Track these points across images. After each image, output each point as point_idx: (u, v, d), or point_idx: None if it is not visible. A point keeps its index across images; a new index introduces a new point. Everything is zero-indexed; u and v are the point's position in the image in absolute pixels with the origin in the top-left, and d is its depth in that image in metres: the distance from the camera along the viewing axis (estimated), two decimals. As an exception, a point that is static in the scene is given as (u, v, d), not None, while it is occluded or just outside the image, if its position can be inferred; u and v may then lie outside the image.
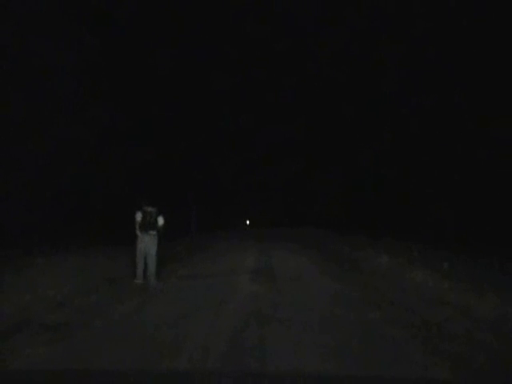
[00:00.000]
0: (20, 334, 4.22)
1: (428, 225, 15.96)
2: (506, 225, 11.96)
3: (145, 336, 4.16)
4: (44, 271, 7.47)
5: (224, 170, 29.19)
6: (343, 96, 22.11)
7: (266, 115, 29.72)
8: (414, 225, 16.63)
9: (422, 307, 5.47)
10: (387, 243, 12.70)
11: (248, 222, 53.66)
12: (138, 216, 7.42)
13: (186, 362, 3.42)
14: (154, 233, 7.43)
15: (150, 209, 7.48)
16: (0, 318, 4.67)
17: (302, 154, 31.48)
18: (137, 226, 7.44)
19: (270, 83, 27.13)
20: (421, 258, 9.33)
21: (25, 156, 12.26)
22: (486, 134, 13.09)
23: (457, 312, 5.13)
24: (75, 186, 14.15)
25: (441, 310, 5.29)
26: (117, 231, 14.79)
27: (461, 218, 14.38)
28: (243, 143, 31.53)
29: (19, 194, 12.00)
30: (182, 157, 22.36)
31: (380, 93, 18.55)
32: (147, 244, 7.40)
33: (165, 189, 20.69)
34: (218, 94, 23.70)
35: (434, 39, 14.80)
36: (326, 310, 5.28)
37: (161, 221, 7.50)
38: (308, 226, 29.47)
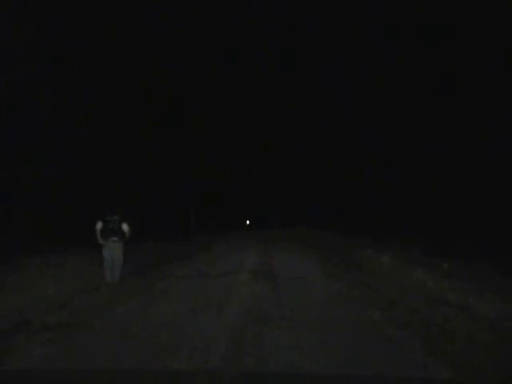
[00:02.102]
0: (20, 333, 4.22)
1: (428, 225, 15.96)
2: (506, 225, 11.96)
3: (145, 336, 4.16)
4: (44, 271, 7.48)
5: (224, 170, 29.21)
6: (342, 97, 22.17)
7: (269, 116, 29.83)
8: (414, 225, 16.63)
9: (422, 307, 5.47)
10: (388, 244, 12.72)
11: (248, 222, 53.60)
12: (98, 225, 7.61)
13: (185, 362, 3.42)
14: (115, 239, 7.56)
15: (110, 217, 7.66)
16: (0, 317, 4.68)
17: (303, 154, 31.52)
18: (98, 235, 7.60)
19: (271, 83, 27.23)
20: (421, 258, 9.34)
21: (24, 156, 12.28)
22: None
23: (456, 312, 5.13)
24: (76, 186, 14.17)
25: (440, 309, 5.29)
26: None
27: (461, 218, 14.37)
28: (244, 143, 31.60)
29: (20, 194, 12.01)
30: (182, 158, 22.37)
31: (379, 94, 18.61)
32: (112, 251, 7.54)
33: (164, 190, 20.75)
34: (219, 93, 23.78)
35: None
36: (327, 309, 5.28)
37: (125, 227, 7.66)
38: (309, 227, 29.45)
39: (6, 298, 5.49)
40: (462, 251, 10.19)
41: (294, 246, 16.67)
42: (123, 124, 16.62)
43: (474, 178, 13.81)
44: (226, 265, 10.04)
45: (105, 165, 15.15)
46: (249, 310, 5.28)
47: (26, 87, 11.69)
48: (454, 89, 14.40)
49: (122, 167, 16.44)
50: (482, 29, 12.89)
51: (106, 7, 14.80)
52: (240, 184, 37.95)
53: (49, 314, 5.00)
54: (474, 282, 6.35)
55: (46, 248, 10.00)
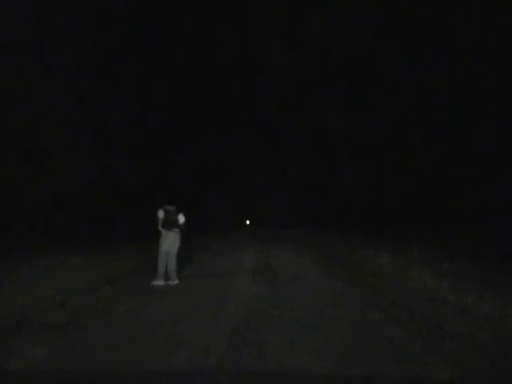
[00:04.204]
0: (20, 333, 4.22)
1: (428, 225, 15.95)
2: (506, 224, 11.96)
3: (145, 336, 4.16)
4: (44, 271, 7.48)
5: (224, 170, 29.20)
6: (343, 97, 22.16)
7: (271, 116, 29.81)
8: (414, 225, 16.62)
9: (422, 307, 5.47)
10: (387, 243, 12.71)
11: (248, 222, 53.62)
12: (161, 213, 7.35)
13: (185, 362, 3.42)
14: (177, 230, 7.38)
15: (170, 207, 7.41)
16: (0, 317, 4.68)
17: (303, 154, 31.52)
18: (159, 223, 7.37)
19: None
20: (421, 257, 9.33)
21: (25, 156, 12.28)
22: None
23: (457, 311, 5.13)
24: (76, 187, 14.17)
25: (441, 309, 5.29)
26: (117, 231, 14.82)
27: (460, 218, 14.37)
28: (244, 143, 31.59)
29: (20, 194, 12.01)
30: (182, 158, 22.34)
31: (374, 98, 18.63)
32: (170, 242, 7.33)
33: (164, 189, 20.72)
34: (220, 87, 23.73)
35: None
36: (326, 309, 5.28)
37: (182, 218, 7.40)
38: (308, 226, 29.47)
39: (6, 298, 5.49)
40: (462, 251, 10.19)
41: (294, 246, 16.66)
42: (120, 125, 16.61)
43: (474, 177, 13.81)
44: (226, 264, 10.04)
45: (103, 165, 15.15)
46: (248, 310, 5.27)
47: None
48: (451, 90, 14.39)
49: (120, 167, 16.43)
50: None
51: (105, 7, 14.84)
52: (240, 184, 37.99)
53: (49, 314, 5.00)
54: (473, 282, 6.35)
55: (46, 247, 10.00)
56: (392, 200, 19.03)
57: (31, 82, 11.65)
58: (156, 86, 18.63)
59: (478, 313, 4.94)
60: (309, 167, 31.80)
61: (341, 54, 20.17)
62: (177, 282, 7.27)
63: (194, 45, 20.70)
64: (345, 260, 11.22)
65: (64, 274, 7.38)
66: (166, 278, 7.26)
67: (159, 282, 7.14)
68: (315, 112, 26.29)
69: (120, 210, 15.61)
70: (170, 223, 7.36)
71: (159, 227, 7.41)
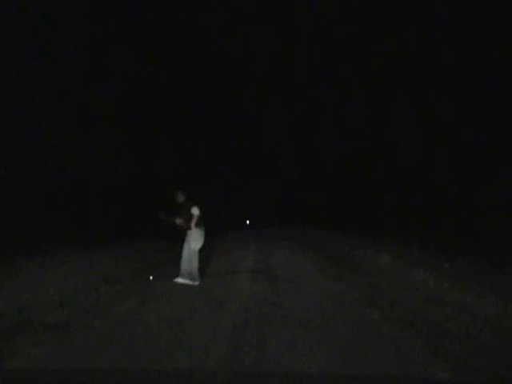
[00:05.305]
0: (20, 333, 4.22)
1: (428, 224, 15.95)
2: (506, 223, 11.95)
3: (145, 336, 4.17)
4: (44, 271, 7.48)
5: (224, 169, 29.18)
6: (342, 97, 22.18)
7: (267, 115, 29.80)
8: (414, 224, 16.61)
9: (423, 307, 5.47)
10: (387, 243, 12.70)
11: (248, 222, 53.54)
12: (196, 211, 7.00)
13: (186, 362, 3.42)
14: (204, 228, 7.22)
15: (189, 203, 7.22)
16: (0, 317, 4.68)
17: (303, 153, 31.52)
18: (194, 222, 7.02)
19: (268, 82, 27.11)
20: (421, 257, 9.33)
21: (24, 154, 12.25)
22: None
23: (457, 312, 5.13)
24: (75, 185, 14.14)
25: (441, 309, 5.29)
26: (117, 231, 14.82)
27: (461, 217, 14.36)
28: (243, 143, 31.60)
29: (20, 193, 11.99)
30: (181, 157, 22.27)
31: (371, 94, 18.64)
32: (200, 240, 7.20)
33: (163, 189, 20.68)
34: (216, 92, 23.65)
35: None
36: (326, 309, 5.28)
37: (195, 211, 7.10)
38: (308, 226, 29.42)
39: (6, 298, 5.49)
40: (463, 251, 10.18)
41: (294, 246, 16.66)
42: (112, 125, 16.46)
43: (475, 176, 13.80)
44: (226, 264, 10.05)
45: (91, 161, 15.05)
46: (249, 309, 5.28)
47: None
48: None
49: (118, 165, 16.30)
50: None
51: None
52: (240, 183, 37.99)
53: (49, 314, 5.00)
54: (473, 282, 6.34)
55: (46, 247, 9.99)
56: (390, 199, 19.01)
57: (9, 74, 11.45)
58: (139, 74, 18.24)
59: (478, 313, 4.94)
60: (303, 166, 31.79)
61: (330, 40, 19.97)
62: (197, 282, 7.15)
63: (177, 30, 20.27)
64: (344, 259, 11.21)
65: (64, 273, 7.38)
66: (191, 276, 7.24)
67: (197, 282, 7.12)
68: (304, 106, 26.20)
69: (113, 208, 15.58)
70: (200, 220, 7.15)
71: (192, 225, 7.03)
